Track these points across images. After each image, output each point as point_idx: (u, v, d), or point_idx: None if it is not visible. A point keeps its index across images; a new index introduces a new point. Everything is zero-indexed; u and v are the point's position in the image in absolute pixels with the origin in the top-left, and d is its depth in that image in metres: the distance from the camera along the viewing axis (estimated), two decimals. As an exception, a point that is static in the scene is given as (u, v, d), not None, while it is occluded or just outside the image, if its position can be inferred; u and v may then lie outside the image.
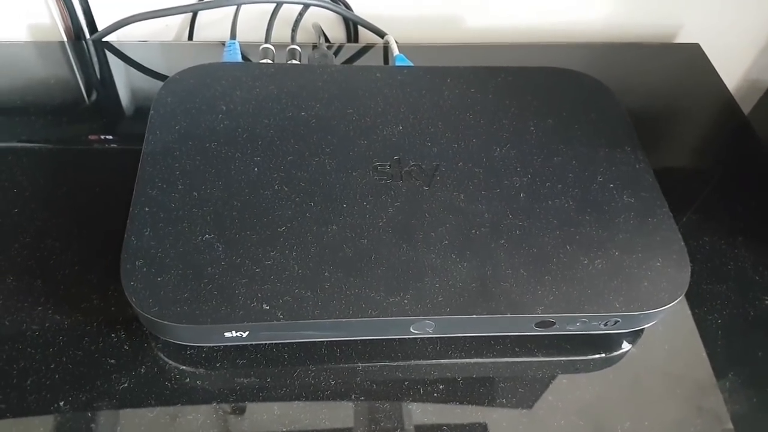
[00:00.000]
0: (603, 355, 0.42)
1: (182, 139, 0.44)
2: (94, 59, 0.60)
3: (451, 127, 0.47)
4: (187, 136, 0.45)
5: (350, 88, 0.49)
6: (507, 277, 0.39)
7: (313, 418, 0.37)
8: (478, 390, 0.39)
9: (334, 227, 0.40)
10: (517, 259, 0.40)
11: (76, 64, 0.60)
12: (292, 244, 0.39)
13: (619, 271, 0.40)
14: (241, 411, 0.37)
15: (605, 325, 0.39)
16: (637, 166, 0.46)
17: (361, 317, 0.37)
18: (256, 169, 0.43)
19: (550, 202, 0.43)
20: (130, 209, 0.40)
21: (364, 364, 0.40)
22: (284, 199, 0.42)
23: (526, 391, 0.40)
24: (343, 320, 0.36)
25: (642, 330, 0.43)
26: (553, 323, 0.39)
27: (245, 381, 0.39)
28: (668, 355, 0.43)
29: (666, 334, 0.43)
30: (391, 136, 0.46)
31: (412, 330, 0.38)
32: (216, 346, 0.39)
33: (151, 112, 0.46)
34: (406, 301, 0.37)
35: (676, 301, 0.39)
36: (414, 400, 0.38)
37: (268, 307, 0.36)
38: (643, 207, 0.43)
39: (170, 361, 0.39)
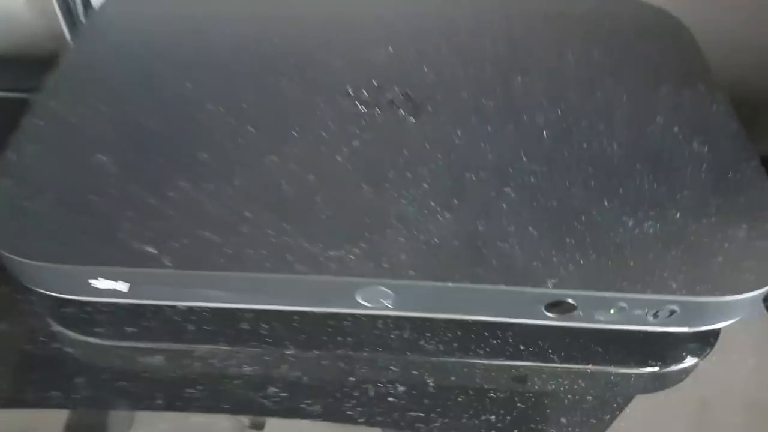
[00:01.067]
0: (654, 369, 0.28)
1: (111, 51, 0.35)
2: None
3: (459, 50, 0.36)
4: (118, 48, 0.35)
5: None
6: (508, 236, 0.27)
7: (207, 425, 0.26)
8: (457, 403, 0.27)
9: (273, 158, 0.30)
10: (526, 213, 0.28)
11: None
12: (212, 175, 0.29)
13: (680, 238, 0.27)
14: (118, 395, 0.27)
15: (654, 316, 0.26)
16: (715, 108, 0.33)
17: (283, 273, 0.25)
18: (189, 85, 0.33)
19: (584, 145, 0.31)
20: (21, 121, 0.31)
21: (295, 351, 0.28)
22: (216, 122, 0.31)
23: (529, 412, 0.27)
24: (257, 276, 0.25)
25: (716, 334, 0.29)
26: (574, 307, 0.26)
27: (128, 355, 0.28)
28: (753, 375, 0.29)
29: (752, 342, 0.30)
30: (375, 57, 0.35)
31: (360, 300, 0.27)
32: (103, 306, 0.29)
33: (83, 21, 0.37)
34: (352, 256, 0.26)
35: (766, 288, 0.26)
36: (358, 408, 0.27)
37: (154, 251, 0.26)
38: (721, 158, 0.30)
39: (37, 318, 0.29)
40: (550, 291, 0.25)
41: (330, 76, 0.34)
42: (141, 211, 0.27)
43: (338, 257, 0.26)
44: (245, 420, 0.26)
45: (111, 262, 0.25)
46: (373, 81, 0.34)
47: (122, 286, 0.26)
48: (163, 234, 0.26)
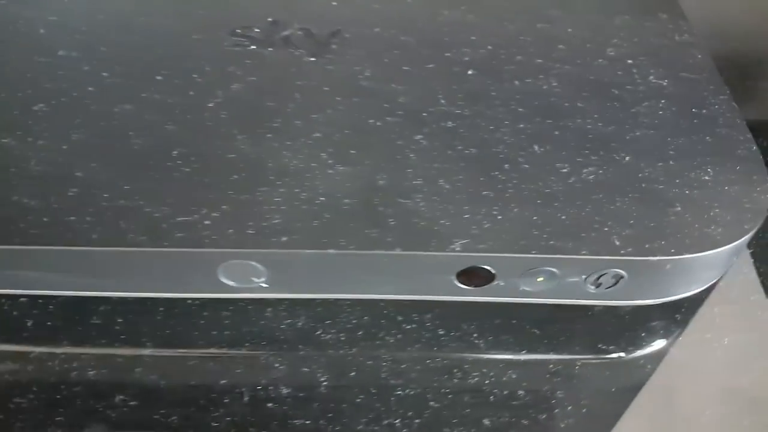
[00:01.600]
0: (607, 356, 0.23)
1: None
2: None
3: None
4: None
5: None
6: (412, 191, 0.21)
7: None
8: (354, 406, 0.21)
9: (127, 107, 0.24)
10: (438, 164, 0.22)
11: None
12: (45, 129, 0.23)
13: (628, 186, 0.21)
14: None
15: (596, 285, 0.20)
16: (678, 38, 0.27)
17: (112, 246, 0.19)
18: (42, 30, 0.27)
19: (517, 83, 0.25)
20: None
21: (155, 350, 0.22)
22: (64, 69, 0.25)
23: (444, 413, 0.21)
24: (79, 250, 0.20)
25: (684, 313, 0.24)
26: (492, 275, 0.20)
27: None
28: (726, 361, 0.23)
29: (729, 317, 0.24)
30: (274, -9, 0.29)
31: (225, 281, 0.21)
32: None
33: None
34: (208, 221, 0.20)
35: (738, 242, 0.20)
36: (227, 417, 0.21)
37: (-53, 221, 0.20)
38: (684, 93, 0.25)
39: None
40: (458, 254, 0.19)
41: (217, 12, 0.28)
42: (-57, 174, 0.21)
43: (188, 223, 0.20)
44: None
45: None
46: (269, 17, 0.28)
47: None
48: (-36, 201, 0.20)
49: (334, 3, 0.29)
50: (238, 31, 0.27)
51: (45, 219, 0.20)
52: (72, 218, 0.20)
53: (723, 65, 0.27)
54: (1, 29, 0.27)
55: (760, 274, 0.25)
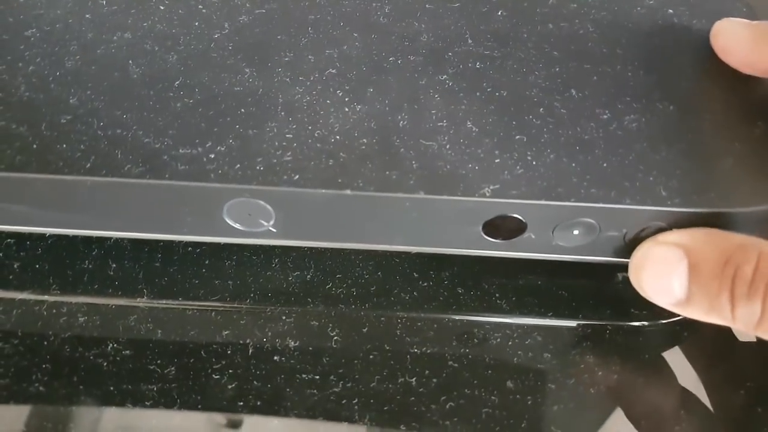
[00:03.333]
0: (641, 324, 0.21)
1: None
2: None
3: None
4: None
5: None
6: (436, 133, 0.19)
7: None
8: (367, 362, 0.20)
9: (126, 35, 0.22)
10: (465, 106, 0.20)
11: None
12: (36, 55, 0.21)
13: (672, 137, 0.19)
14: None
15: (637, 239, 0.19)
16: (723, -12, 0.25)
17: (107, 176, 0.18)
18: (33, -49, 0.25)
19: (551, 26, 0.23)
20: None
21: (152, 300, 0.21)
22: (57, -7, 0.23)
23: (465, 374, 0.20)
24: (70, 179, 0.18)
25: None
26: (523, 225, 0.18)
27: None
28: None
29: None
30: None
31: (229, 222, 0.19)
32: None
33: None
34: (213, 155, 0.18)
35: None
36: (228, 370, 0.19)
37: (-75, 146, 0.18)
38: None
39: None
40: (487, 200, 0.17)
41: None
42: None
43: (191, 156, 0.18)
44: (221, 419, 0.19)
45: None
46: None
47: None
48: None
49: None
50: (249, -38, 0.25)
51: (34, 146, 0.18)
52: (63, 146, 0.18)
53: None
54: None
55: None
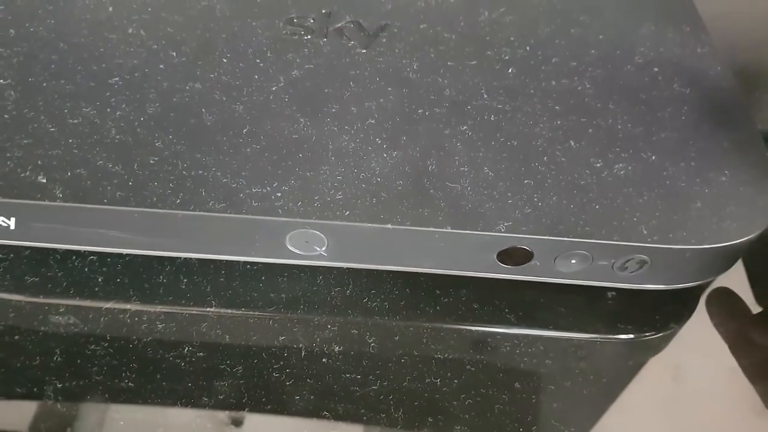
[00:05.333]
0: (625, 336, 0.25)
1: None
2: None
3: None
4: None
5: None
6: (459, 176, 0.23)
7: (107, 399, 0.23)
8: (399, 365, 0.24)
9: (197, 85, 0.26)
10: (482, 153, 0.24)
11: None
12: (122, 101, 0.25)
13: (654, 182, 0.24)
14: (11, 352, 0.23)
15: (622, 269, 0.23)
16: (699, 50, 0.30)
17: (195, 211, 0.22)
18: (110, 8, 0.29)
19: (553, 83, 0.27)
20: None
21: (218, 308, 0.25)
22: (134, 46, 0.27)
23: (480, 377, 0.24)
24: (164, 212, 0.22)
25: (695, 297, 0.26)
26: (530, 254, 0.23)
27: (26, 309, 0.24)
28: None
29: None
30: (326, -16, 0.31)
31: (290, 248, 0.23)
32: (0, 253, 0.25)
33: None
34: (279, 194, 0.22)
35: (751, 236, 0.22)
36: (286, 369, 0.23)
37: (44, 180, 0.22)
38: (704, 100, 0.27)
39: None
40: (502, 235, 0.22)
41: (272, 1, 0.30)
42: (36, 137, 0.23)
43: (262, 194, 0.22)
44: (224, 416, 0.22)
45: (-8, 193, 0.22)
46: (322, 8, 0.30)
47: (9, 221, 0.22)
48: (57, 163, 0.22)
49: (382, -3, 0.31)
50: (294, 19, 0.29)
51: (130, 183, 0.22)
52: (155, 184, 0.22)
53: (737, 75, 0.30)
54: (72, 5, 0.29)
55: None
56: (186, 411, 0.22)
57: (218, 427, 0.22)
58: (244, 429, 0.22)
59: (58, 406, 0.22)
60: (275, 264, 0.25)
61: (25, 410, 0.22)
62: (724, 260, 0.23)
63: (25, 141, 0.23)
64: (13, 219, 0.22)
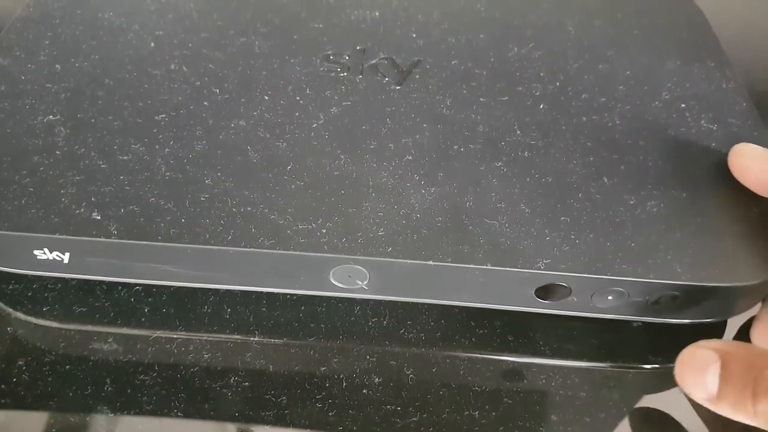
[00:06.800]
0: (654, 366, 0.26)
1: (66, 8, 0.32)
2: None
3: (451, 17, 0.33)
4: (74, 5, 0.32)
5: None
6: (496, 213, 0.24)
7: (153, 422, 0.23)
8: (438, 397, 0.24)
9: (241, 123, 0.27)
10: (518, 189, 0.25)
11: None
12: (170, 138, 0.26)
13: (686, 219, 0.24)
14: (62, 381, 0.24)
15: (656, 303, 0.24)
16: (725, 86, 0.31)
17: (246, 247, 0.22)
18: (152, 44, 0.30)
19: (584, 119, 0.28)
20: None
21: (262, 338, 0.25)
22: (178, 82, 0.28)
23: (517, 409, 0.24)
24: (216, 249, 0.23)
25: (723, 330, 0.27)
26: (568, 290, 0.23)
27: (75, 338, 0.25)
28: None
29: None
30: (360, 22, 0.32)
31: (333, 281, 0.24)
32: (51, 284, 0.26)
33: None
34: (324, 230, 0.23)
35: (783, 275, 0.23)
36: (328, 400, 0.24)
37: (98, 217, 0.23)
38: (730, 137, 0.28)
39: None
40: (541, 272, 0.22)
41: (310, 38, 0.31)
42: (88, 173, 0.24)
43: (308, 231, 0.23)
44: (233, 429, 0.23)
45: (51, 228, 0.23)
46: (357, 45, 0.31)
47: (63, 256, 0.23)
48: (110, 200, 0.23)
49: (414, 35, 0.32)
50: (330, 56, 0.30)
51: (182, 220, 0.23)
52: (207, 221, 0.23)
53: (756, 104, 0.30)
54: (115, 41, 0.30)
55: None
56: (232, 440, 0.23)
57: (264, 456, 0.23)
58: (289, 458, 0.23)
59: (110, 434, 0.23)
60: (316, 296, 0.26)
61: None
62: (753, 296, 0.24)
63: (77, 177, 0.24)
64: (67, 254, 0.23)
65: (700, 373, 0.21)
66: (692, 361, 0.21)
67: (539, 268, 0.22)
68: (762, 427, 0.20)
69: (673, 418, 0.25)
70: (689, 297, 0.23)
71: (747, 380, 0.20)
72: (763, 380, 0.20)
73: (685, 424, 0.25)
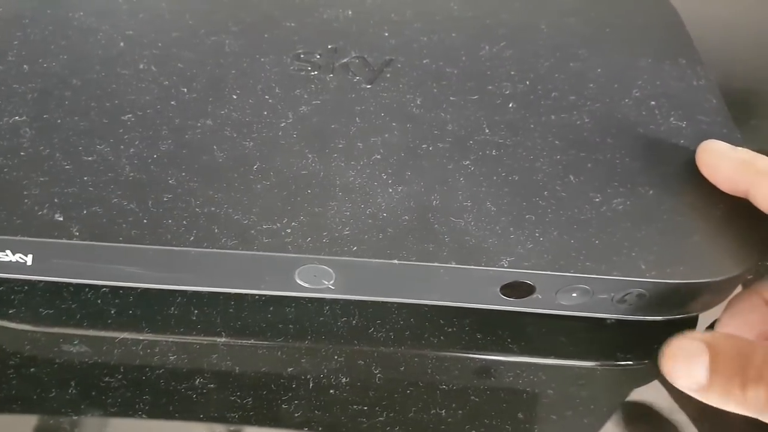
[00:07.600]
0: (623, 363, 0.26)
1: (41, 6, 0.32)
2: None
3: (425, 16, 0.33)
4: (49, 3, 0.32)
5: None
6: (462, 212, 0.24)
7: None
8: (405, 396, 0.24)
9: (208, 122, 0.27)
10: (485, 188, 0.25)
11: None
12: (135, 138, 0.26)
13: (652, 217, 0.24)
14: (25, 382, 0.24)
15: (621, 301, 0.24)
16: (695, 83, 0.31)
17: (208, 248, 0.22)
18: (121, 44, 0.30)
19: (553, 117, 0.28)
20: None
21: (228, 340, 0.25)
22: (146, 82, 0.28)
23: (484, 407, 0.24)
24: (178, 250, 0.22)
25: (694, 328, 0.27)
26: (532, 289, 0.23)
27: (41, 340, 0.25)
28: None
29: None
30: (333, 21, 0.32)
31: (299, 281, 0.24)
32: (17, 286, 0.26)
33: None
34: (289, 230, 0.23)
35: (745, 270, 0.23)
36: (294, 401, 0.24)
37: (61, 218, 0.23)
38: (699, 134, 0.28)
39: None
40: (505, 270, 0.22)
41: (282, 37, 0.31)
42: (52, 174, 0.24)
43: (272, 231, 0.23)
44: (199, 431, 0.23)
45: (11, 230, 0.22)
46: (329, 44, 0.31)
47: (26, 258, 0.23)
48: (74, 201, 0.23)
49: (386, 34, 0.32)
50: (301, 55, 0.30)
51: (145, 221, 0.23)
52: (169, 221, 0.23)
53: (730, 103, 0.30)
54: (84, 41, 0.30)
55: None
56: (198, 442, 0.23)
57: (229, 457, 0.22)
58: (254, 460, 0.23)
59: (74, 437, 0.23)
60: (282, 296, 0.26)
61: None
62: (720, 293, 0.24)
63: (41, 178, 0.24)
64: (30, 255, 0.23)
65: (688, 364, 0.21)
66: (680, 352, 0.21)
67: (503, 266, 0.22)
68: (752, 413, 0.20)
69: (642, 416, 0.25)
70: (655, 294, 0.23)
71: (735, 369, 0.20)
72: (751, 368, 0.20)
73: (654, 421, 0.25)
